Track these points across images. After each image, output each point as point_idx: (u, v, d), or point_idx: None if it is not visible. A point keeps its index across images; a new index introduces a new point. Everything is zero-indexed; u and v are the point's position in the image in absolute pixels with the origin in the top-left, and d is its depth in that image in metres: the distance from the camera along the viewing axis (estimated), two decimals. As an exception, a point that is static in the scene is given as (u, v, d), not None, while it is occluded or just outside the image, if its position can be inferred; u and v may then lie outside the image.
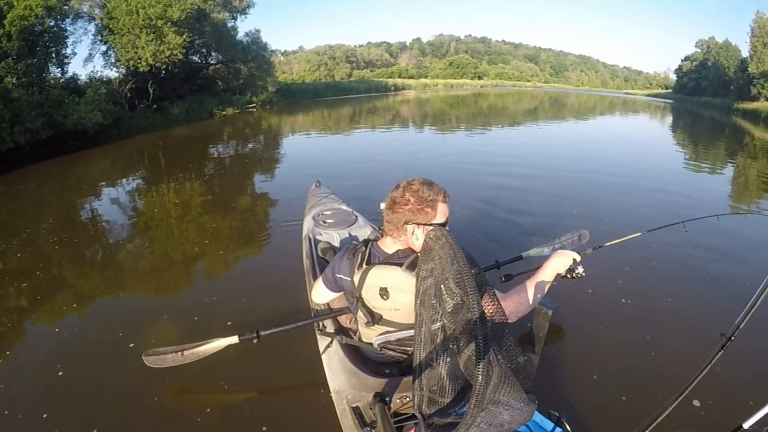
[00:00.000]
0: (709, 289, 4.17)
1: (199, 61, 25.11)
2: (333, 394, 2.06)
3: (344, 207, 4.32)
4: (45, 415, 2.73)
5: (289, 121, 22.59)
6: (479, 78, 75.04)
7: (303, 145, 14.52)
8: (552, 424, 1.71)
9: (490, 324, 1.21)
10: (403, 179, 1.86)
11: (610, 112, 34.23)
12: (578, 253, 1.94)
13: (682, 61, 62.87)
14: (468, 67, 76.14)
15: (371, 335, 2.01)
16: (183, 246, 5.48)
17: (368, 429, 1.79)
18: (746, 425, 1.38)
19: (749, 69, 38.18)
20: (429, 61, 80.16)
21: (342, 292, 2.15)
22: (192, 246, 5.47)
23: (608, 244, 2.86)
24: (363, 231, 3.89)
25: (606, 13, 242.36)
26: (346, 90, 40.71)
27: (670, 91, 72.25)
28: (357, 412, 1.90)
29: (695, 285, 4.24)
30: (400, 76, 63.68)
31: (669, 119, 31.67)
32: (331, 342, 2.25)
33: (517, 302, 1.79)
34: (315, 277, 2.96)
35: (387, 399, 1.80)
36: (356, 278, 1.89)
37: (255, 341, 2.49)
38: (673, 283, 4.20)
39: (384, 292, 1.83)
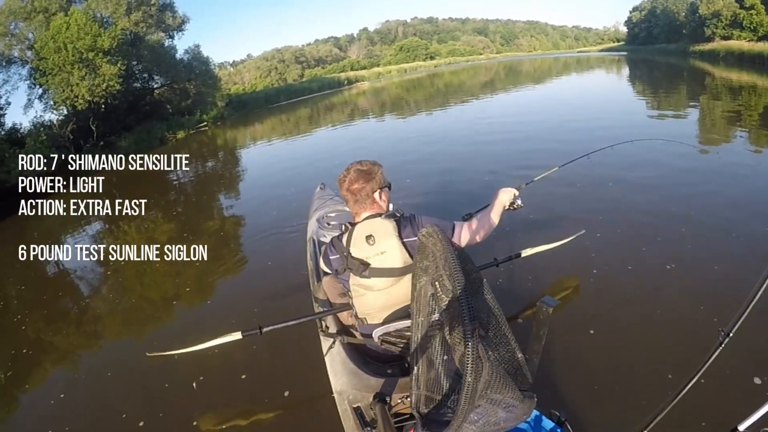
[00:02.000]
0: (709, 282, 3.91)
1: (142, 87, 24.20)
2: (335, 395, 2.11)
3: (348, 209, 4.16)
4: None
5: (248, 132, 22.16)
6: (431, 58, 75.16)
7: (271, 153, 14.29)
8: (553, 424, 1.71)
9: (484, 321, 1.28)
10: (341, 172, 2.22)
11: (566, 73, 34.75)
12: (516, 188, 2.42)
13: (630, 12, 64.00)
14: (419, 49, 76.16)
15: (368, 308, 2.10)
16: (183, 258, 5.31)
17: (369, 429, 1.83)
18: (741, 427, 1.37)
19: (700, 11, 38.18)
20: (379, 49, 79.85)
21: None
22: (191, 258, 5.31)
23: (536, 178, 3.18)
24: None
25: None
26: (298, 92, 39.73)
27: (622, 43, 73.50)
28: (358, 412, 1.95)
29: (696, 278, 3.97)
30: (352, 69, 63.19)
31: (626, 71, 32.12)
32: (333, 343, 2.32)
33: (481, 228, 2.24)
34: (319, 279, 3.09)
35: (387, 399, 1.89)
36: (344, 238, 2.09)
37: (258, 337, 2.59)
38: (674, 278, 3.98)
39: (370, 238, 2.02)
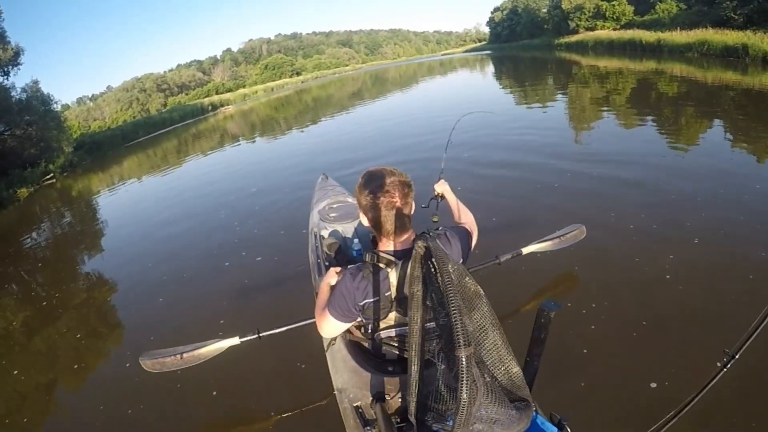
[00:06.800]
0: (717, 296, 3.74)
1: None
2: (336, 393, 2.10)
3: (350, 200, 4.27)
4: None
5: (105, 178, 18.80)
6: (298, 74, 75.37)
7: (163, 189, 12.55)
8: (554, 428, 1.68)
9: (480, 341, 1.28)
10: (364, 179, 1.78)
11: (431, 75, 35.89)
12: (441, 180, 2.44)
13: (492, 12, 67.34)
14: (284, 66, 75.96)
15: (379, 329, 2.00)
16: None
17: (369, 428, 1.79)
18: None
19: (563, 6, 40.67)
20: (244, 70, 78.59)
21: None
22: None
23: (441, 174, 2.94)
24: None
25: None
26: (159, 124, 36.68)
27: (485, 43, 76.98)
28: (359, 410, 1.91)
29: (702, 291, 3.84)
30: (217, 93, 61.23)
31: (490, 68, 33.73)
32: (334, 339, 2.24)
33: (473, 224, 2.15)
34: (320, 273, 3.03)
35: (388, 398, 1.87)
36: (391, 276, 1.73)
37: (257, 341, 2.56)
38: (678, 285, 3.91)
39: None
